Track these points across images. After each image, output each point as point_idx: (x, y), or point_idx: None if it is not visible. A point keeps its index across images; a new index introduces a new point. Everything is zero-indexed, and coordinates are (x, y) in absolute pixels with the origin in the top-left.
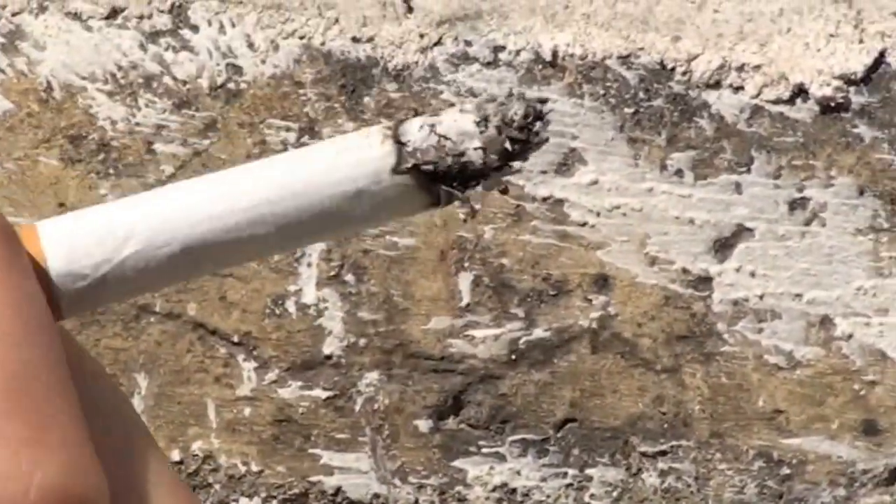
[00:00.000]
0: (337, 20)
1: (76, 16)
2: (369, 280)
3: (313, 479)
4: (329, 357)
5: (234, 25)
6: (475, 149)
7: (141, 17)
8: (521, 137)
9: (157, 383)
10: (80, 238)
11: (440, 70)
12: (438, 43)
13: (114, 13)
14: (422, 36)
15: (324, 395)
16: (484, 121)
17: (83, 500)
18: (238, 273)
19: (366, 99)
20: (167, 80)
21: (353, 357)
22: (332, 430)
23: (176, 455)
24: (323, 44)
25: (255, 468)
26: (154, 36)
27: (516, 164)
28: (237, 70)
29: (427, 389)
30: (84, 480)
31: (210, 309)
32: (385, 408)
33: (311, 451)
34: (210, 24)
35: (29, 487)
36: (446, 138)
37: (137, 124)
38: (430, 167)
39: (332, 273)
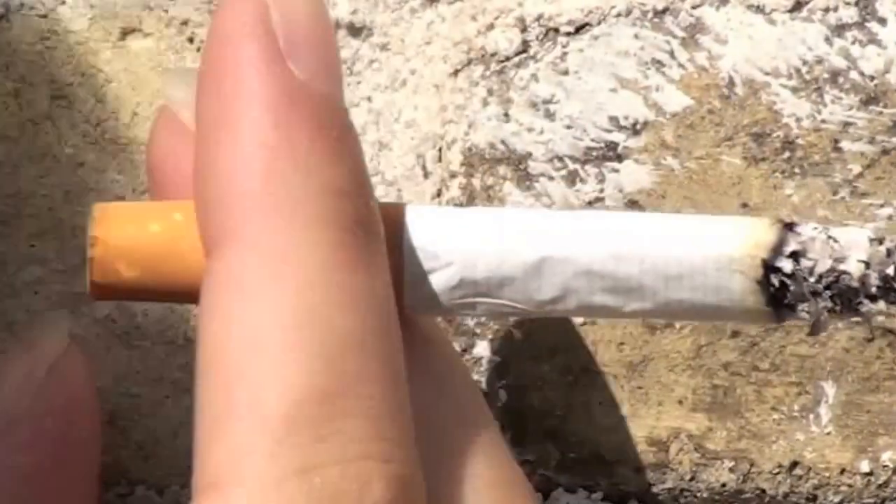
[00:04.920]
0: None
1: (759, 9)
2: None
3: None
4: None
5: None
6: (858, 260)
7: (826, 10)
8: None
9: (844, 391)
10: (442, 221)
11: None
12: None
13: (798, 6)
14: None
15: None
16: (878, 240)
17: None
18: None
19: None
20: (854, 75)
21: None
22: None
23: (865, 466)
24: None
25: None
26: (840, 29)
27: (891, 305)
28: None
29: None
30: (410, 495)
31: None
32: None
33: None
34: None
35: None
36: (835, 240)
37: (823, 121)
38: (799, 286)
39: None
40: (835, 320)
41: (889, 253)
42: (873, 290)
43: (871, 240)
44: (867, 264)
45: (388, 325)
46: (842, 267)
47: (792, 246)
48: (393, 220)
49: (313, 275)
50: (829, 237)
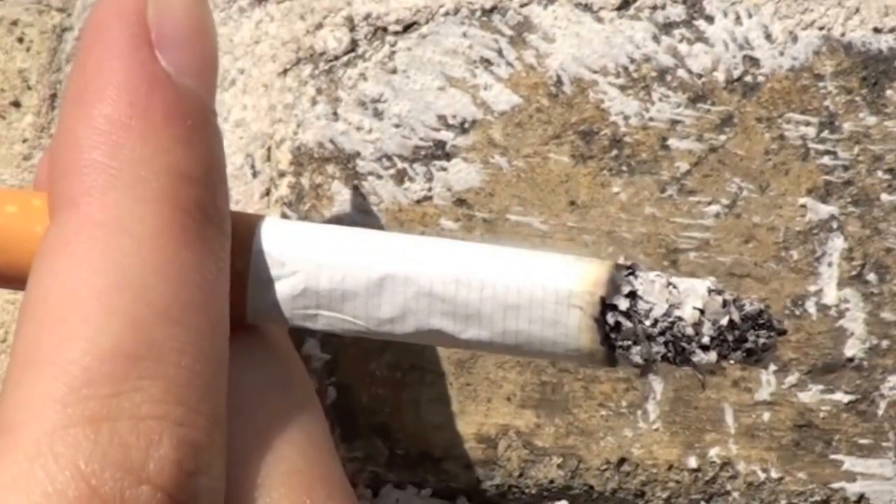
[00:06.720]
0: (857, 10)
1: (587, 7)
2: (892, 280)
3: (835, 485)
4: (851, 359)
5: (750, 16)
6: (694, 307)
7: (654, 8)
8: (742, 327)
9: (672, 388)
10: (294, 232)
11: None
12: None
13: (625, 4)
14: None
15: (845, 398)
16: (717, 291)
17: (195, 489)
18: (756, 273)
19: (888, 92)
20: (681, 73)
21: (876, 359)
22: (854, 434)
23: (693, 462)
24: (843, 34)
25: (774, 475)
26: (667, 27)
27: (722, 358)
28: (754, 62)
29: None
30: (201, 461)
31: None
32: None
33: (832, 456)
34: (726, 14)
35: (147, 461)
36: (674, 286)
37: (651, 119)
38: (633, 325)
39: (854, 273)
40: (666, 368)
41: (725, 304)
42: (706, 339)
43: (710, 290)
44: (702, 312)
45: (212, 304)
46: (677, 312)
47: (631, 287)
48: (247, 226)
49: (142, 245)
50: (669, 283)
